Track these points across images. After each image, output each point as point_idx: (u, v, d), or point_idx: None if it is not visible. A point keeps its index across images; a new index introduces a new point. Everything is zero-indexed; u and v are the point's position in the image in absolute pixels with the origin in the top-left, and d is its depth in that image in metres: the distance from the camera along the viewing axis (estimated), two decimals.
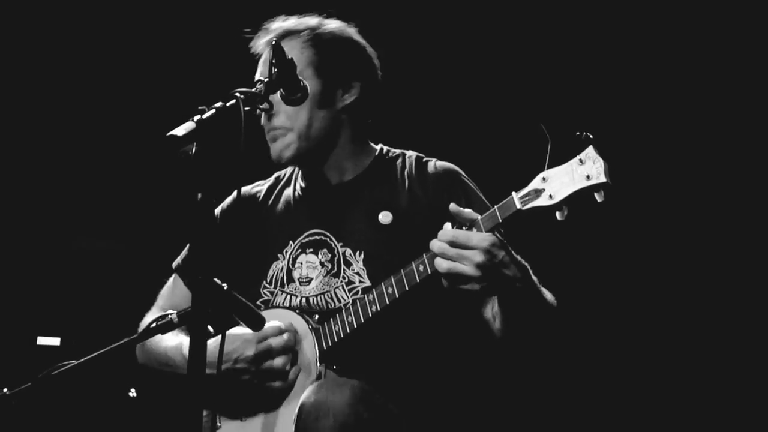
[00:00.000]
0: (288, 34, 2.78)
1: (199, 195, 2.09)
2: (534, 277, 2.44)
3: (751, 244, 4.54)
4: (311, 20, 2.82)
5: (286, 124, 2.72)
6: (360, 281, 2.67)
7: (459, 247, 2.27)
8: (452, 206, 2.35)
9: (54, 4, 5.06)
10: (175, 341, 2.76)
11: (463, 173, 2.79)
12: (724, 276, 4.57)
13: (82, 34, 5.14)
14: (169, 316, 2.31)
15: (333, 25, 2.83)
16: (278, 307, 2.73)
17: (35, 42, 5.15)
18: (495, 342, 2.57)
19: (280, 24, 2.81)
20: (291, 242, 2.81)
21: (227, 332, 2.25)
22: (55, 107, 5.30)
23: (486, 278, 2.27)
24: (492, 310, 2.55)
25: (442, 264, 2.29)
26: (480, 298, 2.52)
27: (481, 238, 2.26)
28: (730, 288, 4.56)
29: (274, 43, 2.38)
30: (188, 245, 2.96)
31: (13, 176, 5.28)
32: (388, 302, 2.48)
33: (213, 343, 2.15)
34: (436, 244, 2.30)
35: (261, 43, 2.81)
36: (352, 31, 2.86)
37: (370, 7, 2.90)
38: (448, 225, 2.35)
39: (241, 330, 2.57)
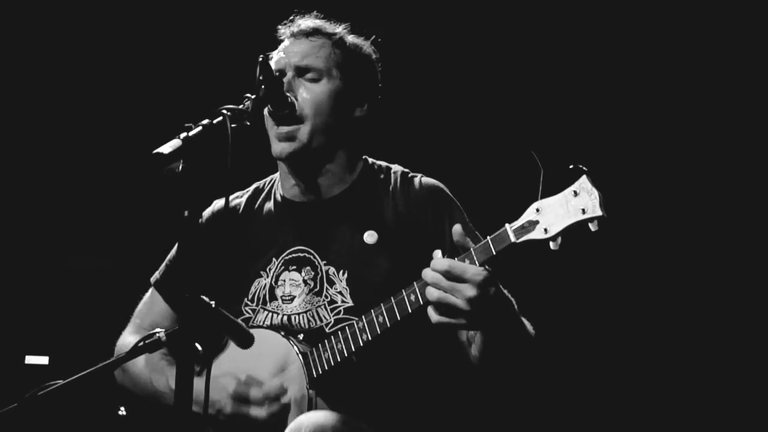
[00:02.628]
0: (318, 32, 2.77)
1: (186, 212, 2.08)
2: (516, 311, 2.42)
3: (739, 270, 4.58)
4: (338, 27, 2.82)
5: (305, 111, 2.67)
6: (342, 301, 2.64)
7: (453, 279, 2.22)
8: (456, 227, 2.29)
9: (38, 31, 5.08)
10: (160, 373, 2.74)
11: (447, 191, 2.77)
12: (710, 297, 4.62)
13: (75, 57, 5.16)
14: (157, 334, 2.29)
15: (358, 39, 2.85)
16: (262, 327, 2.69)
17: (28, 65, 5.16)
18: (470, 366, 2.56)
19: (311, 20, 2.81)
20: (274, 259, 2.77)
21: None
22: (44, 127, 5.29)
23: (474, 313, 2.22)
24: (467, 334, 2.54)
25: (433, 293, 2.24)
26: (464, 330, 2.50)
27: (476, 272, 2.21)
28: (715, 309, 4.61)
29: (261, 59, 2.38)
30: (167, 260, 2.94)
31: (0, 196, 5.26)
32: (379, 331, 2.45)
33: (198, 383, 2.09)
34: (429, 274, 2.25)
35: (286, 32, 2.80)
36: (371, 51, 2.86)
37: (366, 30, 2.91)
38: (438, 253, 2.31)
39: (225, 380, 2.58)
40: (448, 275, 2.22)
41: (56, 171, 5.33)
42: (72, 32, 5.11)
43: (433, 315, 2.27)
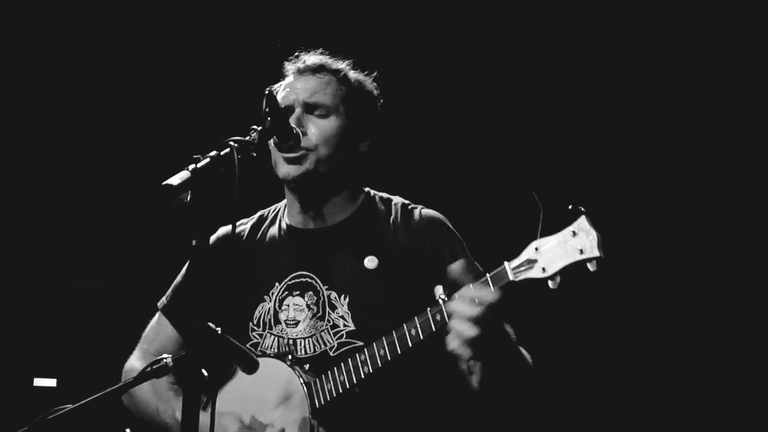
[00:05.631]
0: (323, 68, 2.83)
1: (194, 241, 2.13)
2: (515, 341, 2.47)
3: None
4: (342, 63, 2.88)
5: (314, 144, 2.74)
6: (344, 325, 2.69)
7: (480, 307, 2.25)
8: (455, 266, 2.35)
9: (50, 56, 5.15)
10: (167, 404, 2.78)
11: (447, 222, 2.82)
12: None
13: (86, 85, 5.23)
14: (164, 360, 2.31)
15: (360, 75, 2.90)
16: (268, 355, 2.74)
17: (42, 91, 5.22)
18: (471, 395, 2.60)
19: (316, 57, 2.87)
20: (277, 284, 2.82)
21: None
22: (53, 154, 5.35)
23: (487, 341, 2.27)
24: (468, 362, 2.56)
25: (463, 327, 2.25)
26: (471, 359, 2.48)
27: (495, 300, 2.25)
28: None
29: (267, 92, 2.43)
30: (174, 285, 2.98)
31: (9, 219, 5.31)
32: (380, 364, 2.49)
33: (204, 416, 2.14)
34: (459, 306, 2.27)
35: (292, 68, 2.87)
36: (373, 87, 2.92)
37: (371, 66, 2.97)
38: (439, 288, 2.36)
39: (227, 419, 2.61)
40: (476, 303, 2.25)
41: (65, 196, 5.38)
42: (83, 61, 5.18)
43: (453, 342, 2.29)
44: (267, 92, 2.43)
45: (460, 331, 2.26)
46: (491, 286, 2.27)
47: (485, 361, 2.45)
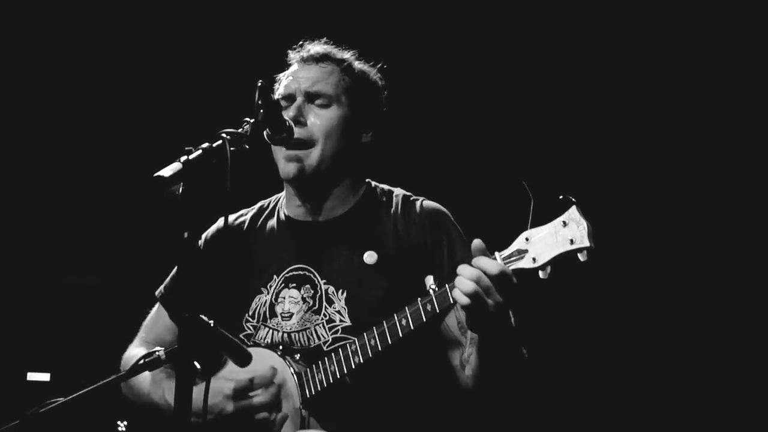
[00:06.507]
0: (327, 58, 2.82)
1: (186, 234, 2.12)
2: (514, 326, 2.46)
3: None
4: (346, 53, 2.87)
5: (315, 135, 2.72)
6: (341, 320, 2.67)
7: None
8: (476, 242, 2.30)
9: (42, 52, 5.14)
10: (157, 386, 2.78)
11: (448, 215, 2.79)
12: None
13: (78, 79, 5.22)
14: (157, 353, 2.31)
15: (365, 66, 2.89)
16: (260, 345, 2.73)
17: (34, 85, 5.22)
18: (461, 389, 2.60)
19: (320, 47, 2.86)
20: (275, 276, 2.80)
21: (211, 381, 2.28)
22: (46, 149, 5.35)
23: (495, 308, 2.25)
24: (461, 356, 2.58)
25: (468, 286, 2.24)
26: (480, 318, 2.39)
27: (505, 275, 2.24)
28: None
29: (259, 84, 2.42)
30: (171, 274, 2.97)
31: (2, 214, 5.30)
32: (370, 354, 2.49)
33: (197, 391, 2.13)
34: (468, 270, 2.25)
35: (296, 57, 2.86)
36: (378, 78, 2.91)
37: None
38: (430, 279, 2.37)
39: (221, 382, 2.60)
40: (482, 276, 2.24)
41: (58, 190, 5.38)
42: (75, 55, 5.17)
43: (456, 293, 2.27)
44: (259, 84, 2.42)
45: (462, 286, 2.24)
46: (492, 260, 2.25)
47: (483, 336, 2.41)
